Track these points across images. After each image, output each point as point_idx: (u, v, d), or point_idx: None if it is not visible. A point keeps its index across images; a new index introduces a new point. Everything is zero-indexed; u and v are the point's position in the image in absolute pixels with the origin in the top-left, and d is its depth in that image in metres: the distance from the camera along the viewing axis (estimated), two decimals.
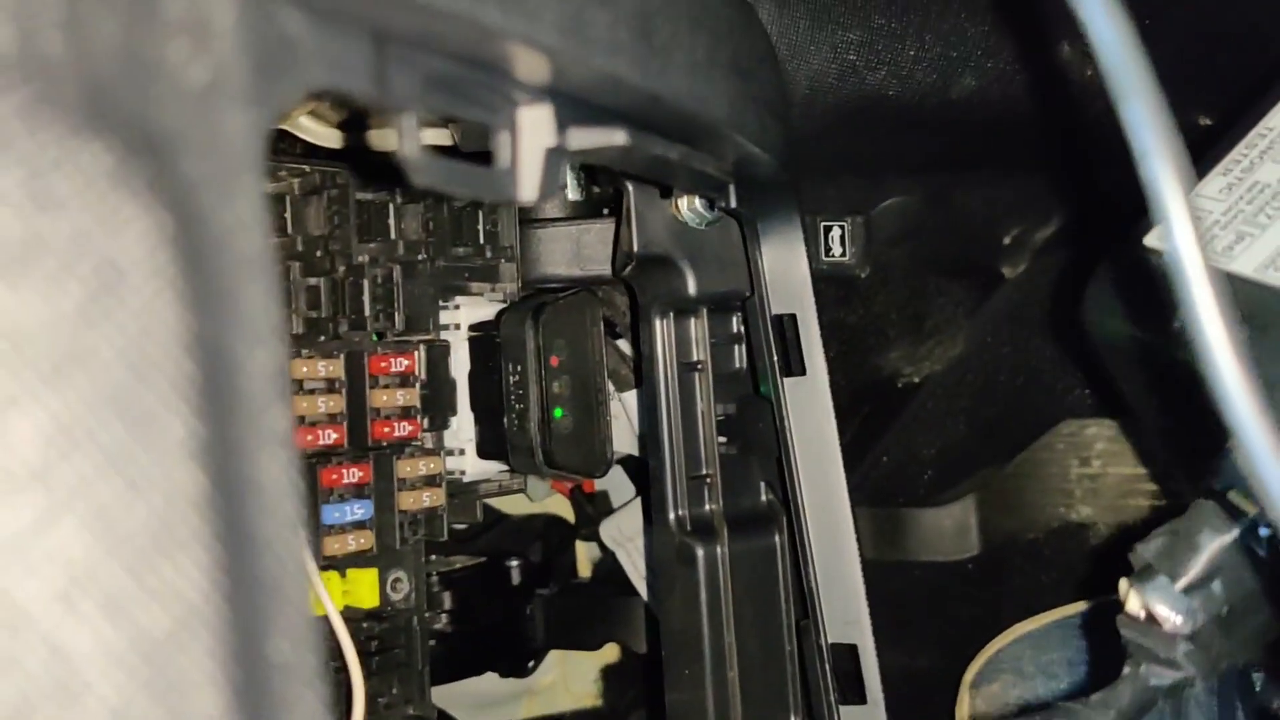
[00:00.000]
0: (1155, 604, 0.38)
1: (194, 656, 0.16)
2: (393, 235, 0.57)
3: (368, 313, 0.56)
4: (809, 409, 0.55)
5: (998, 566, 0.77)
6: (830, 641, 0.56)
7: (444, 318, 0.60)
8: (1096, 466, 0.74)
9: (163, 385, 0.16)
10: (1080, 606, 0.67)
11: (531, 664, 0.78)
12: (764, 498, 0.60)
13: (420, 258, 0.58)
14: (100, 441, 0.15)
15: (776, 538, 0.59)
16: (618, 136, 0.34)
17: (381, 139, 0.44)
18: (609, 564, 0.80)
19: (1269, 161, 0.42)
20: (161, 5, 0.18)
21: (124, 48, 0.17)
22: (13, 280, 0.15)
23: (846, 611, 0.56)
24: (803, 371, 0.55)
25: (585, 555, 0.86)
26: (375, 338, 0.57)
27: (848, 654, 0.56)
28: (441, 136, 0.55)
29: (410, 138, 0.26)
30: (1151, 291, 0.42)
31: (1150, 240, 0.43)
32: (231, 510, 0.17)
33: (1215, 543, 0.38)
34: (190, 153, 0.17)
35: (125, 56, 0.17)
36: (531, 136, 0.31)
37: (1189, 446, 0.42)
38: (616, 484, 0.82)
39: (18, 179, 0.15)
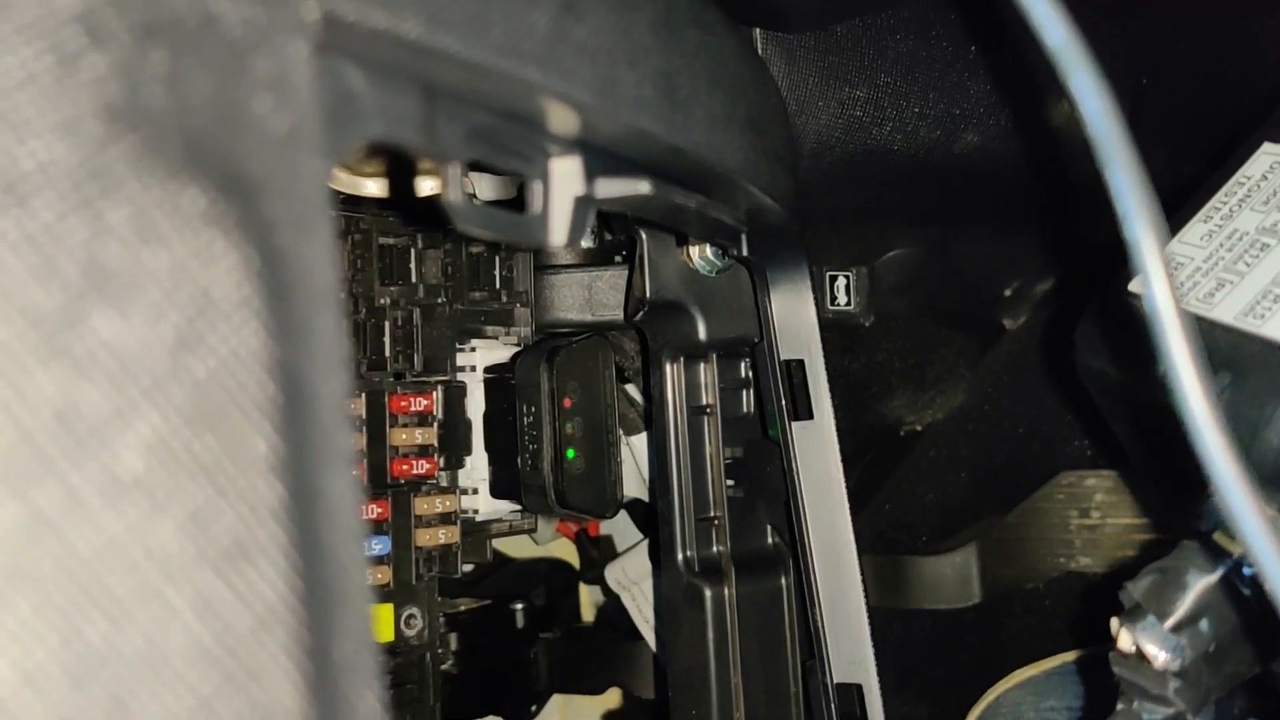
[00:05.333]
0: (1145, 642, 0.39)
1: (272, 652, 0.17)
2: (413, 279, 0.59)
3: (388, 354, 0.58)
4: (816, 452, 0.57)
5: (998, 615, 0.77)
6: (835, 681, 0.57)
7: (460, 360, 0.62)
8: (1095, 517, 0.75)
9: (248, 404, 0.18)
10: (1079, 654, 0.67)
11: (534, 708, 0.78)
12: (770, 540, 0.61)
13: (439, 301, 0.60)
14: (194, 453, 0.17)
15: (783, 579, 0.60)
16: (642, 186, 0.36)
17: (419, 187, 0.46)
18: (613, 608, 0.80)
19: (1247, 210, 0.43)
20: (249, 64, 0.20)
21: (217, 101, 0.19)
22: (122, 306, 0.17)
23: (851, 652, 0.57)
24: (810, 416, 0.57)
25: (589, 599, 0.86)
26: (393, 378, 0.58)
27: (852, 694, 0.57)
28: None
29: (455, 185, 0.28)
30: (1136, 335, 0.43)
31: (1135, 286, 0.44)
32: (305, 521, 0.18)
33: (1201, 582, 0.39)
34: (272, 196, 0.19)
35: (218, 109, 0.19)
36: (562, 185, 0.33)
37: (1176, 487, 0.43)
38: (621, 528, 0.83)
39: (126, 216, 0.17)
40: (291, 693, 0.17)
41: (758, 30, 0.57)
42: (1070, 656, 0.67)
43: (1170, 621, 0.39)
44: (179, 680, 0.16)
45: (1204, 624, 0.39)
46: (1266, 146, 0.45)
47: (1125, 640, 0.40)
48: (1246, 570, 0.38)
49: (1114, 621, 0.40)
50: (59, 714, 0.16)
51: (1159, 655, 0.39)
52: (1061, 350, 0.72)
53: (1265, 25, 0.55)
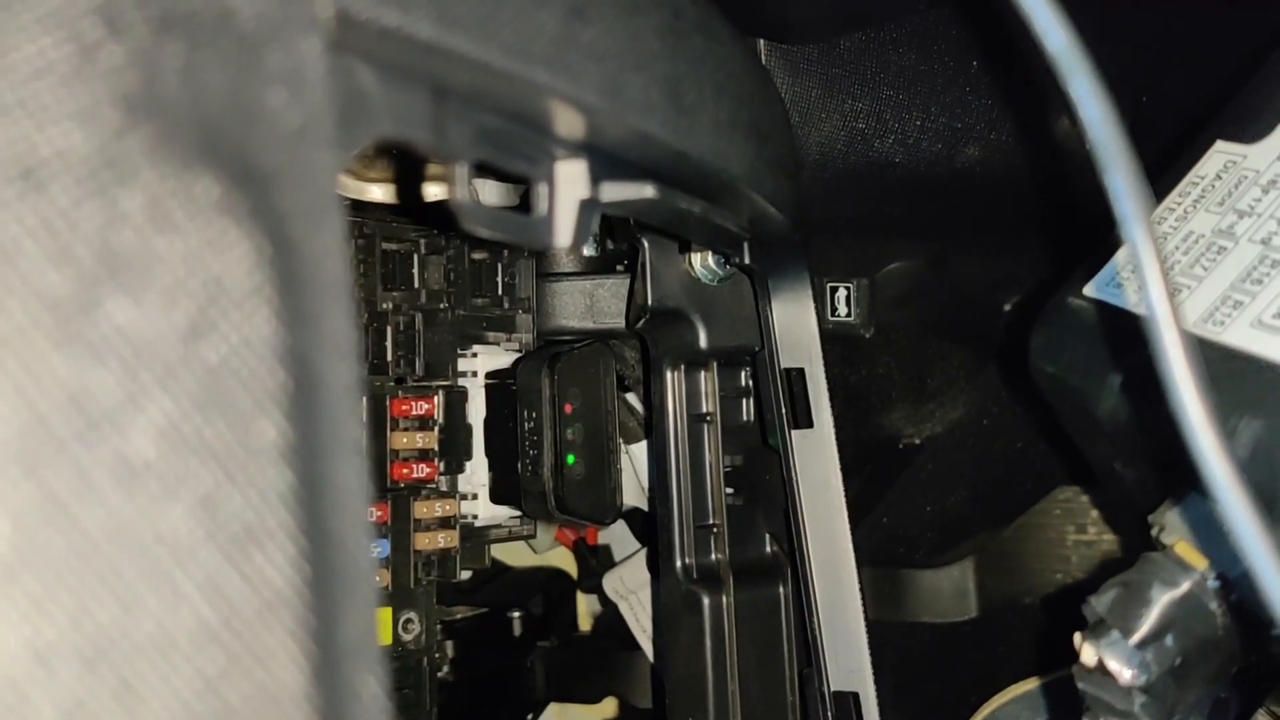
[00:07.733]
0: (1110, 659, 0.38)
1: (278, 636, 0.17)
2: (416, 284, 0.59)
3: (389, 358, 0.58)
4: (816, 460, 0.57)
5: (995, 629, 0.77)
6: (832, 690, 0.57)
7: (462, 365, 0.62)
8: (1092, 533, 0.75)
9: (259, 391, 0.18)
10: (1075, 669, 0.67)
11: (530, 716, 0.78)
12: (769, 548, 0.61)
13: (441, 306, 0.60)
14: (204, 438, 0.17)
15: (781, 588, 0.60)
16: (647, 190, 0.36)
17: (425, 193, 0.46)
18: (610, 617, 0.80)
19: (1201, 211, 0.41)
20: (263, 58, 0.20)
21: (232, 94, 0.19)
22: (135, 292, 0.17)
23: (849, 661, 0.57)
24: (810, 424, 0.57)
25: (586, 608, 0.86)
26: (394, 383, 0.59)
27: (849, 702, 0.57)
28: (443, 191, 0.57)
29: (462, 185, 0.28)
30: (1090, 340, 0.42)
31: (1089, 290, 0.43)
32: (312, 507, 0.18)
33: (1166, 596, 0.38)
34: (285, 187, 0.19)
35: (232, 101, 0.19)
36: (567, 188, 0.33)
37: (1136, 497, 0.42)
38: (619, 537, 0.83)
39: (140, 204, 0.18)
40: (297, 676, 0.17)
41: (762, 41, 0.58)
42: (1066, 672, 0.67)
43: (1135, 638, 0.37)
44: (186, 662, 0.17)
45: (1169, 639, 0.37)
46: (1219, 145, 0.43)
47: (1089, 655, 0.38)
48: (1211, 583, 0.38)
49: (1077, 636, 0.39)
50: (68, 693, 0.16)
51: (1124, 672, 0.37)
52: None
53: (1259, 39, 0.55)
